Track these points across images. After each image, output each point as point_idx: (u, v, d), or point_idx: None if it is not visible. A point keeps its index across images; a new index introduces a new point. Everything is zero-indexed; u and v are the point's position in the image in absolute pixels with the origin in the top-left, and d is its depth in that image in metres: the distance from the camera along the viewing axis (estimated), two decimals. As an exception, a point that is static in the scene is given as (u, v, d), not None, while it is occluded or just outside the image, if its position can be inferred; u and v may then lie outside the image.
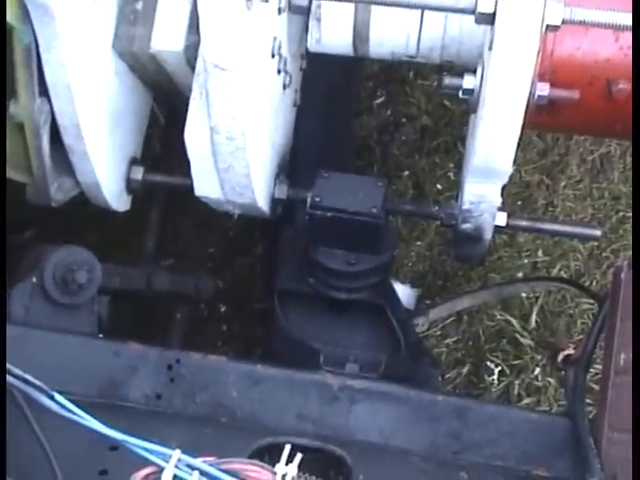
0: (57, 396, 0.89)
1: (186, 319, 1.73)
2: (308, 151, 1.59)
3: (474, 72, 1.23)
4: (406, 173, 2.23)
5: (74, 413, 0.89)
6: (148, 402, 1.28)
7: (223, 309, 2.07)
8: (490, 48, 1.10)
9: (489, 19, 1.08)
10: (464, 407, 1.29)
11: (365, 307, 1.50)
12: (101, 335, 1.37)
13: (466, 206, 1.32)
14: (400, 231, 2.15)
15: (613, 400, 1.26)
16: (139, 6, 1.31)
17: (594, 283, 2.17)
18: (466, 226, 1.35)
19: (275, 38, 1.29)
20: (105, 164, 1.37)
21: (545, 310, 2.14)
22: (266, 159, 1.38)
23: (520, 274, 2.16)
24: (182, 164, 1.39)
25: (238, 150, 1.24)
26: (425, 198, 2.18)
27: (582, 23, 1.07)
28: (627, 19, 1.05)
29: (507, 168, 1.24)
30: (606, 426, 1.23)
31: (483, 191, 1.29)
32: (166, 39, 1.30)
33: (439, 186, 2.21)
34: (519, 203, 2.21)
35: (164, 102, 1.67)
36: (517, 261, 2.17)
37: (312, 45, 1.39)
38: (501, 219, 1.37)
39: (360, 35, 1.37)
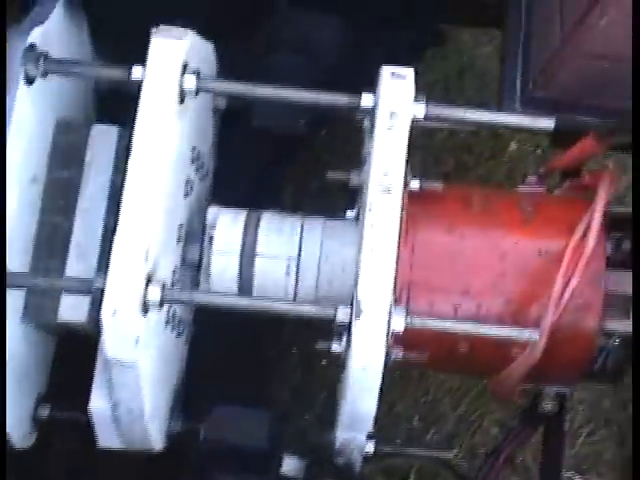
0: None
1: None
2: (202, 381, 1.77)
3: (341, 336, 1.46)
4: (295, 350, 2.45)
5: None
6: None
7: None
8: (349, 344, 1.34)
9: (345, 334, 1.33)
10: None
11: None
12: None
13: (338, 445, 1.54)
14: (290, 404, 2.36)
15: None
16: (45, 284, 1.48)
17: (463, 444, 2.45)
18: (339, 460, 1.57)
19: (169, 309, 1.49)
20: (14, 415, 1.51)
21: (422, 473, 2.38)
22: (162, 407, 1.55)
23: (398, 440, 2.40)
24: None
25: (136, 420, 1.42)
26: (316, 376, 2.41)
27: (423, 326, 1.34)
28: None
29: (370, 423, 1.47)
30: None
31: (351, 436, 1.52)
32: (71, 311, 1.48)
33: (324, 362, 2.44)
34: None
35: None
36: (396, 428, 2.40)
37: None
38: (369, 448, 1.59)
39: (244, 288, 1.58)
